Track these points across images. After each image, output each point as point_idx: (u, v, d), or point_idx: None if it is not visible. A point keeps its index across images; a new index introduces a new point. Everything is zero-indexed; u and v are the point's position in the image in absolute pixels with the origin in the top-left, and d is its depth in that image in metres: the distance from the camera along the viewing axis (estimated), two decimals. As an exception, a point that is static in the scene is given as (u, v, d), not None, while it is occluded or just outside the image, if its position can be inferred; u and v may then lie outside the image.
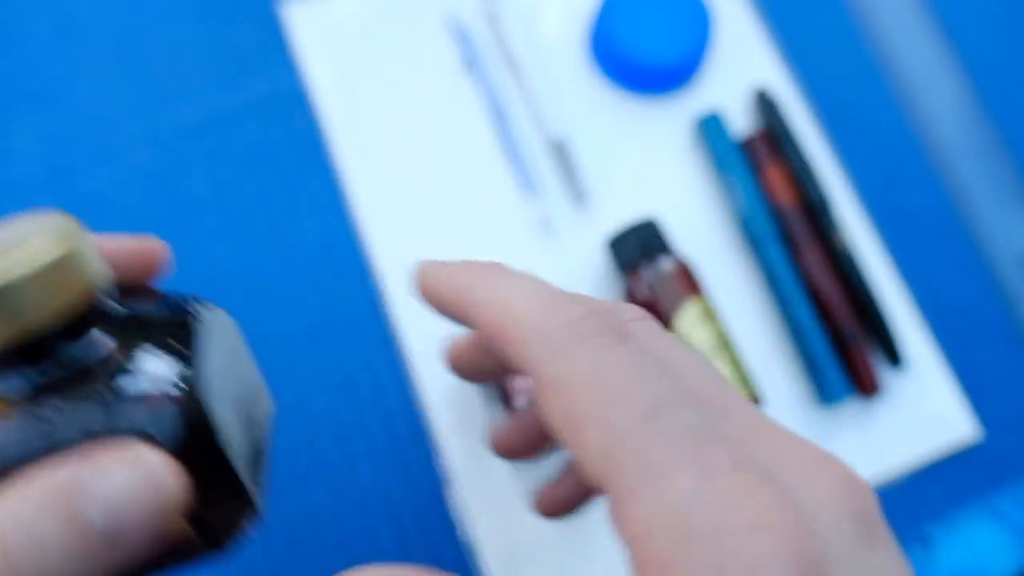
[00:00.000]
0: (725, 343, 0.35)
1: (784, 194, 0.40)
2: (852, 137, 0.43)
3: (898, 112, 0.44)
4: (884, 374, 0.38)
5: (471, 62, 0.42)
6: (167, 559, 0.18)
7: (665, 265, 0.36)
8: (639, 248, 0.36)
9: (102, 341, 0.17)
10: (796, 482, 0.15)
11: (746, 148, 0.41)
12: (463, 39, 0.43)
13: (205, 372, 0.18)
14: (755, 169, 0.41)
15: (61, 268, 0.16)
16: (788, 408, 0.38)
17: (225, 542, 0.18)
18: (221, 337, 0.19)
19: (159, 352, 0.17)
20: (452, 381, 0.37)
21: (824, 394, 0.37)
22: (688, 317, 0.35)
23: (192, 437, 0.17)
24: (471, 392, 0.37)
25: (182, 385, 0.17)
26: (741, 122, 0.43)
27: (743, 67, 0.44)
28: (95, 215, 0.39)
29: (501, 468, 0.36)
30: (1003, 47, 0.46)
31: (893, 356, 0.38)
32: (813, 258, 0.39)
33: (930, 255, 0.41)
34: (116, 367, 0.17)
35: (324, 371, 0.37)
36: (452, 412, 0.37)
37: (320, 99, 0.42)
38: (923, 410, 0.38)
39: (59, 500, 0.15)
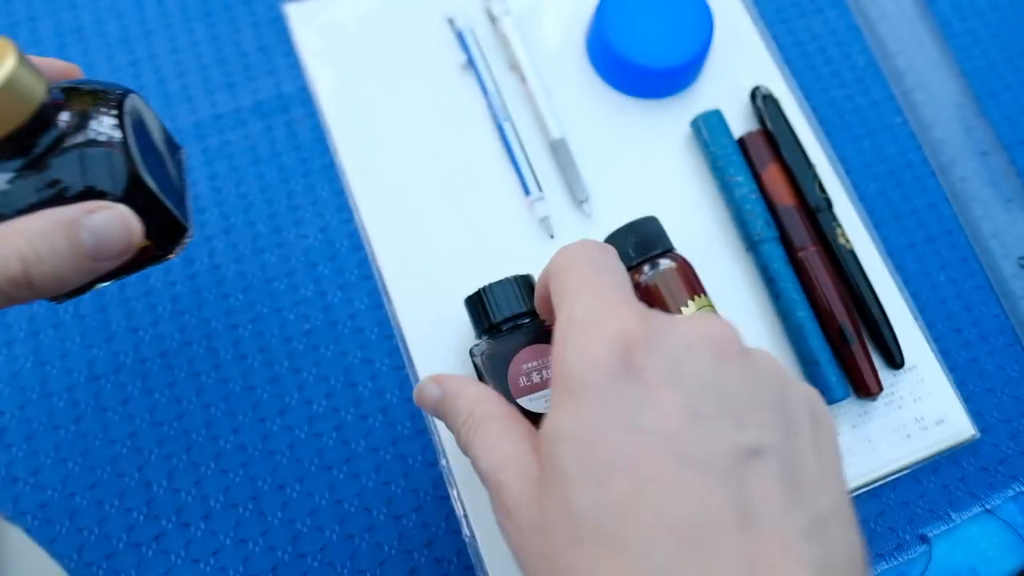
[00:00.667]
0: (724, 343, 0.35)
1: (784, 194, 0.40)
2: (852, 137, 0.43)
3: (898, 112, 0.44)
4: (884, 375, 0.38)
5: (471, 62, 0.42)
6: (139, 264, 0.27)
7: (665, 264, 0.36)
8: (639, 247, 0.37)
9: (62, 120, 0.24)
10: (666, 320, 0.23)
11: (746, 148, 0.41)
12: (463, 39, 0.43)
13: (131, 137, 0.25)
14: (755, 169, 0.41)
15: (19, 76, 0.23)
16: (787, 408, 0.38)
17: (171, 250, 0.28)
18: (137, 108, 0.27)
19: (102, 125, 0.25)
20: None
21: (823, 394, 0.37)
22: (687, 317, 0.35)
23: (129, 183, 0.25)
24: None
25: (120, 147, 0.25)
26: (740, 123, 0.43)
27: (742, 68, 0.44)
28: (97, 215, 0.39)
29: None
30: (1002, 47, 0.46)
31: (892, 357, 0.38)
32: (813, 258, 0.39)
33: (930, 255, 0.41)
34: (73, 138, 0.24)
35: (325, 371, 0.38)
36: (452, 412, 0.37)
37: (322, 99, 0.42)
38: (921, 410, 0.38)
39: (66, 226, 0.23)
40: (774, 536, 0.19)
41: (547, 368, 0.32)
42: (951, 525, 0.37)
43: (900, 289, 0.40)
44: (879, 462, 0.37)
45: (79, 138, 0.24)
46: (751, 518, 0.19)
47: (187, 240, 0.29)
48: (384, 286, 0.39)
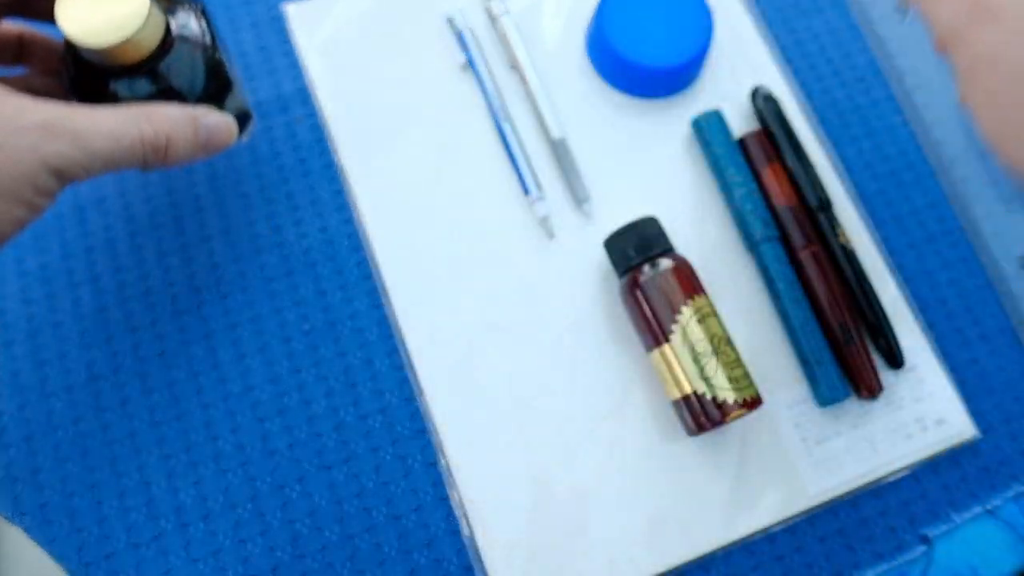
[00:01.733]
0: (725, 343, 0.35)
1: (783, 194, 0.40)
2: (852, 137, 0.43)
3: (898, 112, 0.44)
4: (883, 374, 0.38)
5: (471, 62, 0.42)
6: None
7: (665, 264, 0.36)
8: (639, 247, 0.37)
9: (172, 31, 0.31)
10: None
11: (745, 148, 0.41)
12: (463, 39, 0.43)
13: (216, 38, 0.32)
14: (754, 169, 0.41)
15: (152, 10, 0.29)
16: (788, 408, 0.38)
17: (242, 135, 0.34)
18: (207, 10, 0.33)
19: (199, 31, 0.32)
20: (452, 379, 0.37)
21: (823, 394, 0.37)
22: (688, 317, 0.35)
23: (224, 80, 0.33)
24: (471, 391, 0.37)
25: (211, 45, 0.32)
26: (740, 123, 0.43)
27: (742, 68, 0.44)
28: (98, 215, 0.39)
29: (500, 465, 0.36)
30: (1004, 47, 0.45)
31: (892, 356, 0.38)
32: (813, 258, 0.39)
33: (930, 255, 0.41)
34: (180, 42, 0.31)
35: (324, 371, 0.38)
36: (452, 411, 0.37)
37: (321, 99, 0.42)
38: (922, 410, 0.38)
39: (193, 120, 0.31)
40: None
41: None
42: (952, 525, 0.37)
43: (900, 289, 0.40)
44: (879, 462, 0.37)
45: (185, 42, 0.31)
46: None
47: (252, 126, 0.35)
48: (384, 286, 0.39)
